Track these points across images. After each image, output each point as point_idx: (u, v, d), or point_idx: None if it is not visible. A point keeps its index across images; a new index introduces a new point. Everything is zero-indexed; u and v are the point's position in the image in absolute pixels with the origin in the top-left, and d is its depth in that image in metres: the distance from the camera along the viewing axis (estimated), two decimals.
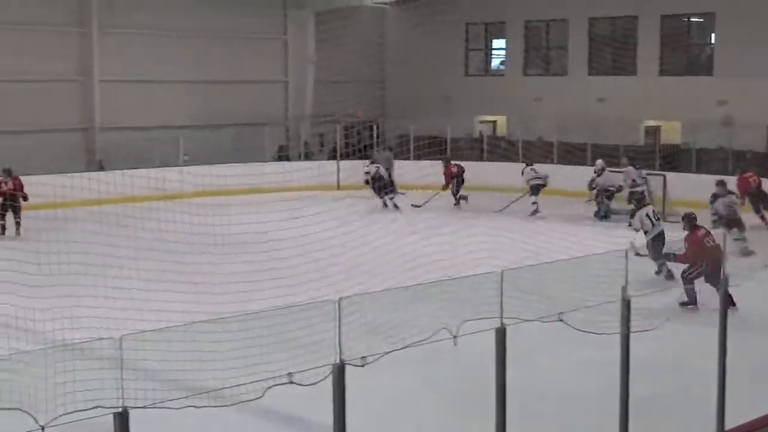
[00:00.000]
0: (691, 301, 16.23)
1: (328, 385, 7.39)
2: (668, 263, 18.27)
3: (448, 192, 30.07)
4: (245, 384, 7.52)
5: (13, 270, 13.35)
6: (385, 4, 41.07)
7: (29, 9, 32.77)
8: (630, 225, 20.34)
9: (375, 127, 36.39)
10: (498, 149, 35.72)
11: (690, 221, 17.39)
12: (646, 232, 19.32)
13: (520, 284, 9.75)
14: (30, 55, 32.89)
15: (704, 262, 15.90)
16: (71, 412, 6.72)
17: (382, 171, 30.65)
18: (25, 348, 8.56)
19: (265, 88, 39.48)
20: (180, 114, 35.78)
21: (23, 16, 32.68)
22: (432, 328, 8.80)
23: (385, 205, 29.77)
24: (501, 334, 8.39)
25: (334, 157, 35.39)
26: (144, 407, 6.93)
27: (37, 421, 6.43)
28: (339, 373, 7.35)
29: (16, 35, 32.74)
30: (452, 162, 30.93)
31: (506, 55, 41.55)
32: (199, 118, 36.19)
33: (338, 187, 32.92)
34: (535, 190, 28.74)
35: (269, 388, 7.26)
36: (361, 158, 32.56)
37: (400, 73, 40.16)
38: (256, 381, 7.22)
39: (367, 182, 30.60)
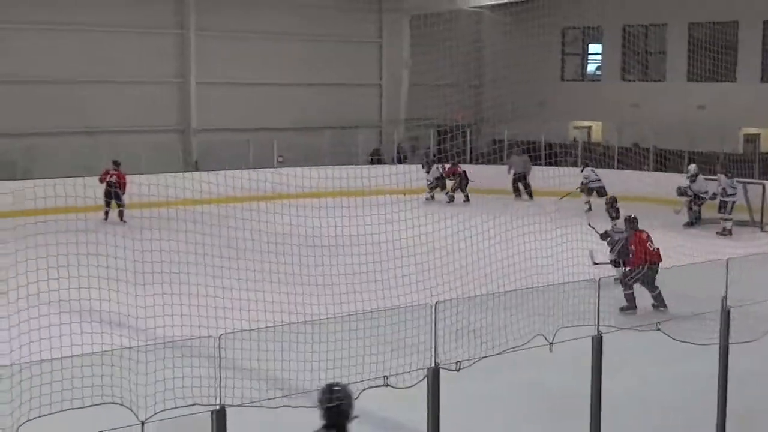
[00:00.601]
0: (630, 306, 16.10)
1: (423, 388, 7.41)
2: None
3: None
4: None
5: (117, 267, 13.60)
6: (482, 8, 40.90)
7: (128, 13, 33.33)
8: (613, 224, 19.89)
9: (469, 132, 36.25)
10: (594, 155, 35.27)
11: (632, 223, 17.27)
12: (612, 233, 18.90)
13: (615, 292, 9.70)
14: (129, 58, 33.53)
15: (646, 264, 16.25)
16: (170, 409, 6.86)
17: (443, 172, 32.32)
18: (128, 344, 8.72)
19: (360, 92, 39.63)
20: (274, 116, 36.13)
21: (123, 19, 33.26)
22: (527, 335, 8.78)
23: (432, 197, 31.82)
24: (597, 343, 8.33)
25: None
26: (241, 405, 7.03)
27: (137, 417, 6.56)
28: (434, 376, 7.37)
29: (116, 38, 33.38)
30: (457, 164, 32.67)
31: (603, 60, 41.17)
32: (294, 121, 36.50)
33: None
34: (596, 192, 28.88)
35: (365, 389, 7.30)
36: (455, 163, 32.66)
37: (496, 78, 39.94)
38: (352, 383, 7.27)
39: (428, 181, 32.14)
